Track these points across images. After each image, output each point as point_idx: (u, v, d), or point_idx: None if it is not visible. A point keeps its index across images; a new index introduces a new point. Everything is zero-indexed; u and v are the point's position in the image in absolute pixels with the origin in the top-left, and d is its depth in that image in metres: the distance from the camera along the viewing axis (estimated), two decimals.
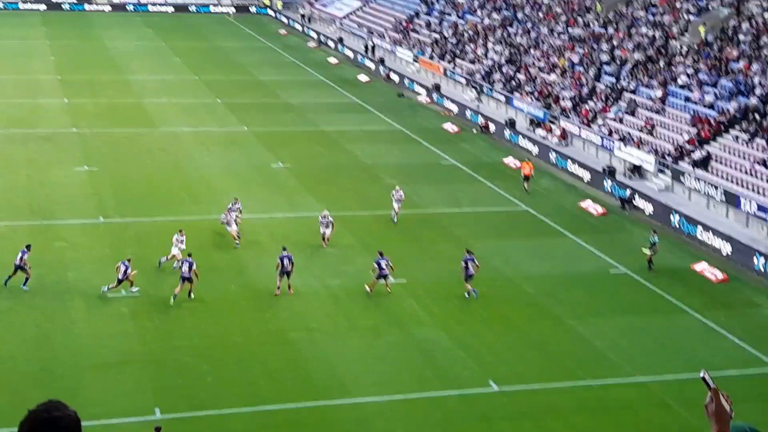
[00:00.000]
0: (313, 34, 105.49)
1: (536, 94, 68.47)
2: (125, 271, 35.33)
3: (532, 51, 75.33)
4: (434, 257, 41.83)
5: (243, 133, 61.87)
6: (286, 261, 36.43)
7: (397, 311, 36.15)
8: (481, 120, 67.38)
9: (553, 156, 58.84)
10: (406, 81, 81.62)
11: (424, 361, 32.35)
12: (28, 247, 36.30)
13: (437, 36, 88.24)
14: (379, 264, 36.82)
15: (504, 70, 74.82)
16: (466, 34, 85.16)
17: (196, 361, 31.41)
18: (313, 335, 33.49)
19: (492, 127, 66.19)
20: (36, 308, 34.68)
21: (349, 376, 30.74)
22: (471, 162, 58.02)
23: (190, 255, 36.23)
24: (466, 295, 37.17)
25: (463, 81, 77.24)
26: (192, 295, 35.63)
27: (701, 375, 4.61)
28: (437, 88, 77.67)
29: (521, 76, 72.31)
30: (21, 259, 35.77)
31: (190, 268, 35.23)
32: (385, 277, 37.06)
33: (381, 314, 35.75)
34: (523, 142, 62.26)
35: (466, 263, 37.21)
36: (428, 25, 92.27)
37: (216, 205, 46.99)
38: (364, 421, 28.57)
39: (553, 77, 69.39)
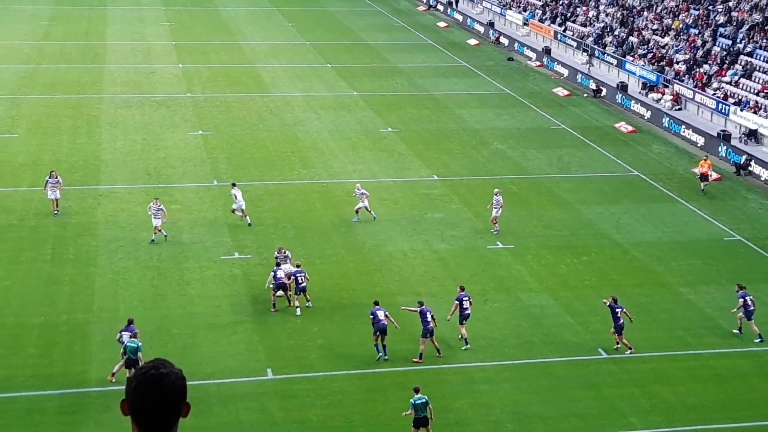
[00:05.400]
0: None
1: (649, 57, 67.13)
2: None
3: (645, 13, 73.77)
4: (543, 222, 41.58)
5: (352, 98, 62.21)
6: (466, 303, 30.92)
7: (505, 276, 36.11)
8: (592, 84, 66.42)
9: (665, 120, 57.73)
10: (516, 44, 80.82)
11: (532, 326, 32.30)
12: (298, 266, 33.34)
13: None
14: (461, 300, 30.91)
15: (616, 32, 73.49)
16: None
17: (305, 322, 31.96)
18: (421, 299, 33.63)
19: (603, 91, 65.19)
20: (152, 269, 35.68)
21: (456, 340, 30.88)
22: (581, 126, 57.32)
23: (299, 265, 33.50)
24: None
25: (574, 44, 76.15)
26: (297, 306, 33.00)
27: None
28: (547, 51, 76.74)
29: (634, 39, 70.95)
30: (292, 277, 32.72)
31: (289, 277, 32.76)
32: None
33: (489, 279, 35.75)
34: (635, 106, 61.19)
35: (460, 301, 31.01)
36: None
37: (326, 169, 47.51)
38: (471, 384, 28.74)
39: (666, 40, 67.90)
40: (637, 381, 29.18)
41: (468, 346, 30.51)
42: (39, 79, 64.46)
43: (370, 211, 40.55)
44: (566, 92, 65.70)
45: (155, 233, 37.75)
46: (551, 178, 47.82)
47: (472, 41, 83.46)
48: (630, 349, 30.49)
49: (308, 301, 32.83)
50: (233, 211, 39.84)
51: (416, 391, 25.56)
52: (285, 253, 34.19)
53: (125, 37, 79.36)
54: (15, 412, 26.78)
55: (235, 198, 39.64)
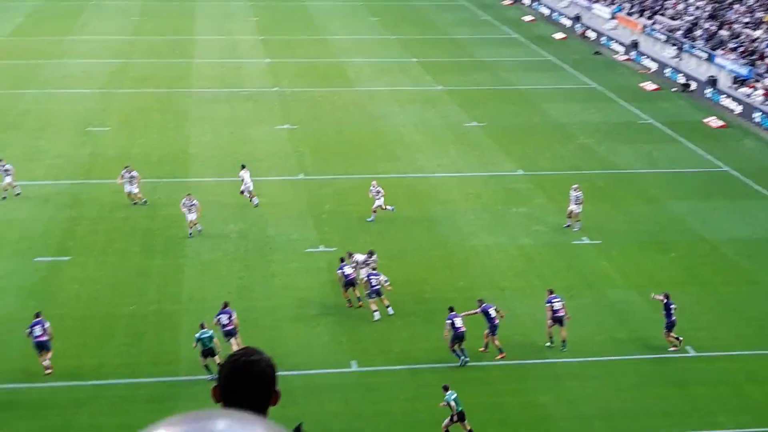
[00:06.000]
0: None
1: (740, 50, 65.82)
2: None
3: (735, 6, 72.31)
4: (629, 218, 41.09)
5: (437, 92, 62.16)
6: (558, 305, 30.23)
7: (590, 272, 35.78)
8: (681, 78, 65.34)
9: (757, 115, 56.55)
10: (603, 38, 79.87)
11: (618, 323, 31.98)
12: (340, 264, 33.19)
13: None
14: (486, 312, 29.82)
15: (706, 26, 72.19)
16: None
17: (389, 316, 32.04)
18: (505, 294, 33.57)
19: (692, 86, 64.09)
20: (238, 261, 36.17)
21: (540, 336, 30.70)
22: (669, 121, 56.45)
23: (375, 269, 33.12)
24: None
25: (663, 38, 75.01)
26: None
27: None
28: (635, 45, 75.70)
29: (724, 32, 69.59)
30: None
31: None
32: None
33: (574, 275, 35.46)
34: (726, 101, 60.05)
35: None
36: None
37: (411, 163, 47.56)
38: (557, 381, 28.56)
39: (758, 33, 66.47)
40: (727, 380, 28.71)
41: (564, 348, 30.15)
42: (129, 73, 65.63)
43: (385, 208, 39.85)
44: (654, 86, 64.77)
45: (191, 227, 38.02)
46: (638, 174, 47.19)
47: (558, 35, 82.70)
48: (675, 346, 30.02)
49: (388, 306, 32.24)
50: (242, 192, 40.72)
51: (445, 389, 25.78)
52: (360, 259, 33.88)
53: (213, 32, 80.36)
54: (105, 399, 27.43)
55: (243, 180, 40.56)
